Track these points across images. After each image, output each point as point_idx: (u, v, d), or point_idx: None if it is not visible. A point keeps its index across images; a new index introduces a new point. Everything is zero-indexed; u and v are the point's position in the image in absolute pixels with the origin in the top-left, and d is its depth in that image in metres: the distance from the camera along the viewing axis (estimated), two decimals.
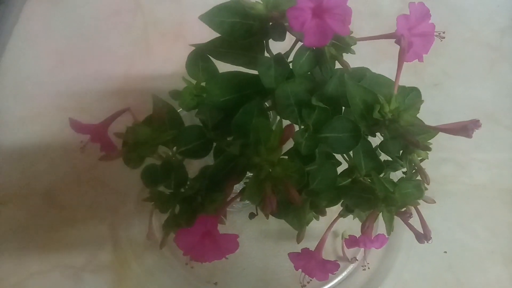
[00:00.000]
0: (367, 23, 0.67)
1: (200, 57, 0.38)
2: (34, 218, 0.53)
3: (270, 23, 0.34)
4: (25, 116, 0.59)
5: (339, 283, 0.50)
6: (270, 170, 0.31)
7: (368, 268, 0.46)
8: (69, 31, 0.66)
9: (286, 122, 0.35)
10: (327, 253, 0.51)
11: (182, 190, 0.35)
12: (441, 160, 0.57)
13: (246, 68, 0.38)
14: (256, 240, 0.52)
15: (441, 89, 0.63)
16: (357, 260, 0.50)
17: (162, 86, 0.61)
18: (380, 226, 0.43)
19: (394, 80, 0.35)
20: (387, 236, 0.36)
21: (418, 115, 0.33)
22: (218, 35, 0.36)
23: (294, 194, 0.30)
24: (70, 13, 0.68)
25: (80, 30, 0.66)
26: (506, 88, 0.64)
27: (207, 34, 0.36)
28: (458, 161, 0.58)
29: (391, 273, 0.49)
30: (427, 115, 0.36)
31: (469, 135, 0.31)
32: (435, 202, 0.39)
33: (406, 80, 0.36)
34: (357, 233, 0.37)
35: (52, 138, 0.58)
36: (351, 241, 0.38)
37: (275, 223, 0.51)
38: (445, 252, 0.53)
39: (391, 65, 0.35)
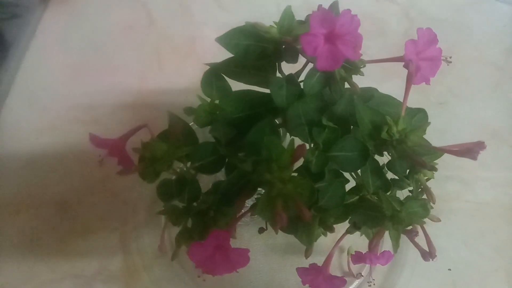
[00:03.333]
0: (374, 42, 0.68)
1: (214, 76, 0.39)
2: (46, 228, 0.54)
3: (283, 46, 0.36)
4: (40, 126, 0.61)
5: None
6: (281, 187, 0.32)
7: (374, 284, 0.47)
8: (84, 45, 0.68)
9: (297, 141, 0.37)
10: (333, 268, 0.51)
11: (195, 204, 0.36)
12: (446, 178, 0.58)
13: (258, 87, 0.39)
14: (263, 254, 0.53)
15: (446, 108, 0.64)
16: (363, 276, 0.51)
17: (174, 100, 0.63)
18: (385, 242, 0.44)
19: (401, 101, 0.37)
20: (393, 253, 0.37)
21: (424, 134, 0.34)
22: (228, 53, 0.37)
23: (305, 211, 0.31)
24: (86, 27, 0.70)
25: (95, 44, 0.68)
26: (511, 107, 0.65)
27: (218, 51, 0.37)
28: (463, 179, 0.59)
29: None
30: (433, 133, 0.37)
31: (474, 158, 0.32)
32: (440, 221, 0.39)
33: (412, 98, 0.37)
34: (363, 249, 0.38)
35: (66, 149, 0.59)
36: (357, 257, 0.39)
37: (281, 238, 0.51)
38: (449, 269, 0.53)
39: (398, 83, 0.36)
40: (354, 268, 0.51)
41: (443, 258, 0.53)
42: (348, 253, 0.51)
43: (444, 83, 0.66)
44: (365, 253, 0.37)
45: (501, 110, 0.65)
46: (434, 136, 0.37)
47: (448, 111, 0.64)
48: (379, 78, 0.55)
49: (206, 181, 0.40)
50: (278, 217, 0.31)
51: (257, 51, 0.36)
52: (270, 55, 0.36)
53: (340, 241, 0.40)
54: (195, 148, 0.36)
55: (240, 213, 0.35)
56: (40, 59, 0.67)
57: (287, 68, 0.38)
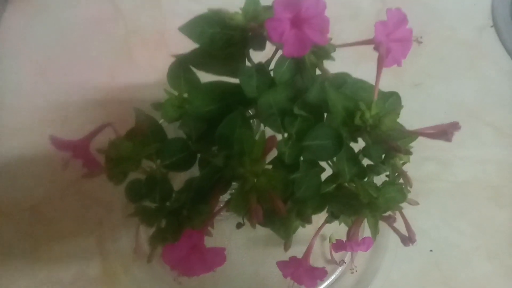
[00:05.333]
0: (347, 26, 0.67)
1: (181, 68, 0.38)
2: (19, 234, 0.52)
3: (250, 33, 0.34)
4: (7, 129, 0.58)
5: (329, 286, 0.50)
6: (255, 181, 0.31)
7: (356, 271, 0.46)
8: (49, 41, 0.65)
9: (269, 131, 0.35)
10: (315, 257, 0.51)
11: (168, 203, 0.35)
12: (423, 158, 0.58)
13: (228, 77, 0.38)
14: (245, 247, 0.52)
15: (421, 89, 0.64)
16: (345, 263, 0.51)
17: (145, 95, 0.61)
18: (366, 228, 0.44)
19: (374, 85, 0.36)
20: (372, 240, 0.36)
21: (400, 116, 0.34)
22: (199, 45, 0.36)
23: (279, 204, 0.30)
24: (50, 23, 0.67)
25: (61, 40, 0.66)
26: (486, 85, 0.65)
27: (190, 42, 0.36)
28: (441, 159, 0.59)
29: (379, 274, 0.49)
30: (409, 114, 0.36)
31: (448, 139, 0.31)
32: (418, 204, 0.39)
33: (387, 80, 0.36)
34: (344, 236, 0.37)
35: (35, 152, 0.57)
36: (338, 246, 0.38)
37: (262, 230, 0.50)
38: (431, 250, 0.53)
39: (371, 66, 0.36)
40: (337, 255, 0.51)
41: (424, 240, 0.53)
42: (329, 241, 0.51)
43: (418, 64, 0.66)
44: (345, 241, 0.37)
45: (476, 88, 0.65)
46: (411, 117, 0.36)
47: (423, 92, 0.64)
48: (354, 62, 0.54)
49: (182, 179, 0.39)
50: (253, 212, 0.30)
51: (223, 39, 0.35)
52: (237, 43, 0.35)
53: (320, 231, 0.39)
54: (164, 145, 0.35)
55: (215, 210, 0.34)
56: (4, 59, 0.64)
57: (257, 56, 0.37)
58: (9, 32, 0.66)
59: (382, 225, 0.35)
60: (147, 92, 0.61)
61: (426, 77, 0.65)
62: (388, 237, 0.49)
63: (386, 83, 0.37)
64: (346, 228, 0.38)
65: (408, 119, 0.35)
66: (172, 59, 0.38)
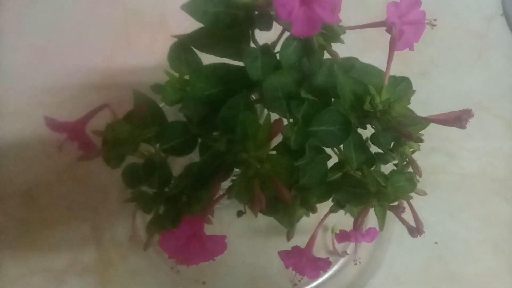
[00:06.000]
0: (353, 12, 0.65)
1: (183, 49, 0.36)
2: (12, 221, 0.51)
3: (256, 12, 0.33)
4: (2, 112, 0.57)
5: (331, 277, 0.49)
6: (259, 167, 0.30)
7: (359, 262, 0.45)
8: (45, 23, 0.63)
9: (274, 116, 0.34)
10: (318, 247, 0.50)
11: (166, 189, 0.34)
12: (431, 149, 0.57)
13: (231, 59, 0.36)
14: (245, 237, 0.51)
15: (429, 78, 0.63)
16: (348, 254, 0.50)
17: (144, 79, 0.59)
18: (370, 219, 0.42)
19: (383, 70, 0.34)
20: (379, 231, 0.35)
21: (409, 103, 0.32)
22: (201, 25, 0.34)
23: (284, 192, 0.28)
24: (46, 4, 0.65)
25: (57, 22, 0.64)
26: (494, 76, 0.64)
27: (190, 24, 0.34)
28: (448, 151, 0.58)
29: (382, 266, 0.49)
30: (416, 104, 0.35)
31: (462, 126, 0.30)
32: (426, 194, 0.38)
33: (394, 69, 0.35)
34: (348, 227, 0.36)
35: (30, 136, 0.55)
36: (342, 236, 0.37)
37: (264, 219, 0.49)
38: (436, 243, 0.52)
39: (379, 54, 0.34)
40: (339, 246, 0.50)
41: (429, 232, 0.51)
42: (332, 231, 0.50)
43: (426, 53, 0.64)
44: (349, 231, 0.36)
45: (484, 79, 0.64)
46: (417, 107, 0.35)
47: (430, 82, 0.62)
48: (360, 49, 0.52)
49: (180, 164, 0.37)
50: (256, 200, 0.29)
51: (228, 18, 0.33)
52: (242, 23, 0.33)
53: (324, 221, 0.38)
54: (163, 128, 0.33)
55: (216, 197, 0.33)
56: (0, 41, 0.62)
57: (262, 38, 0.35)
58: (6, 15, 0.64)
59: (386, 217, 0.34)
60: (146, 75, 0.59)
61: (433, 67, 0.63)
62: (393, 228, 0.47)
63: (393, 71, 0.35)
64: (349, 220, 0.36)
65: (414, 108, 0.34)
66: (173, 41, 0.36)
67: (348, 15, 0.63)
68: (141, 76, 0.59)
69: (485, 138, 0.59)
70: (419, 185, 0.36)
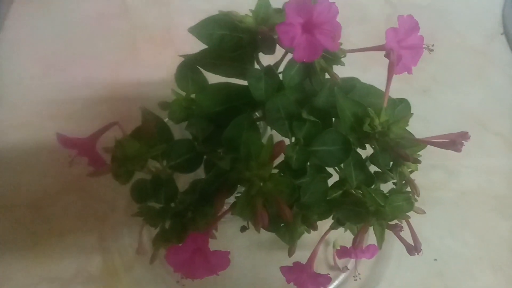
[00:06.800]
0: (356, 30, 0.67)
1: (189, 68, 0.37)
2: (20, 230, 0.52)
3: (260, 36, 0.34)
4: (11, 124, 0.58)
5: None
6: (261, 185, 0.31)
7: (359, 278, 0.46)
8: (55, 36, 0.65)
9: (277, 134, 0.35)
10: (319, 262, 0.51)
11: (173, 204, 0.35)
12: (430, 166, 0.58)
13: (236, 79, 0.38)
14: (248, 250, 0.51)
15: (430, 95, 0.64)
16: (349, 269, 0.50)
17: (150, 92, 0.61)
18: (371, 235, 0.43)
19: (383, 90, 0.35)
20: (378, 248, 0.36)
21: (407, 125, 0.33)
22: None
23: (286, 210, 0.29)
24: (56, 18, 0.67)
25: (67, 36, 0.65)
26: (494, 93, 0.65)
27: (196, 40, 0.35)
28: (447, 168, 0.58)
29: (382, 282, 0.49)
30: (417, 121, 0.36)
31: (458, 150, 0.31)
32: (425, 213, 0.39)
33: (395, 86, 0.36)
34: (349, 242, 0.37)
35: (39, 147, 0.56)
36: (342, 252, 0.38)
37: (267, 233, 0.49)
38: (435, 259, 0.53)
39: (380, 71, 0.35)
40: (340, 261, 0.51)
41: (429, 248, 0.53)
42: (333, 247, 0.51)
43: (427, 70, 0.65)
44: (349, 248, 0.37)
45: (484, 97, 0.64)
46: (418, 124, 0.36)
47: (431, 99, 0.63)
48: (363, 67, 0.54)
49: (185, 180, 0.38)
50: (258, 217, 0.30)
51: (232, 41, 0.34)
52: (246, 46, 0.35)
53: (325, 238, 0.39)
54: (170, 145, 0.34)
55: (220, 213, 0.34)
56: (9, 53, 0.64)
57: (267, 59, 0.37)
58: (15, 26, 0.66)
59: (387, 232, 0.35)
60: (153, 89, 0.60)
61: (434, 84, 0.64)
62: (393, 245, 0.48)
63: (395, 88, 0.36)
64: (350, 235, 0.37)
65: (415, 125, 0.35)
66: (179, 58, 0.37)
67: (349, 31, 0.64)
68: (148, 89, 0.61)
69: (484, 156, 0.59)
70: (419, 201, 0.37)
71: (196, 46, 0.36)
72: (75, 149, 0.33)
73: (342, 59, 0.36)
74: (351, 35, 0.64)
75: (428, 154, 0.37)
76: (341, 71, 0.36)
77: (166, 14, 0.69)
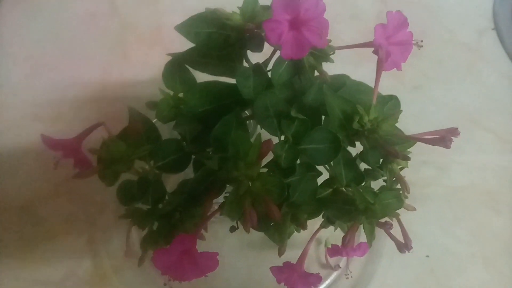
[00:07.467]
0: (347, 26, 0.66)
1: (177, 67, 0.37)
2: (9, 234, 0.51)
3: (247, 34, 0.34)
4: None
5: None
6: (250, 185, 0.30)
7: (351, 276, 0.46)
8: (42, 37, 0.64)
9: (266, 133, 0.35)
10: (310, 261, 0.51)
11: (160, 206, 0.34)
12: (421, 162, 0.58)
13: (225, 77, 0.37)
14: (239, 250, 0.51)
15: (421, 92, 0.64)
16: (341, 267, 0.50)
17: (139, 92, 0.60)
18: (362, 233, 0.43)
19: (373, 87, 0.35)
20: (368, 246, 0.36)
21: (399, 119, 0.33)
22: None
23: (274, 210, 0.29)
24: (44, 17, 0.66)
25: (54, 36, 0.64)
26: (485, 89, 0.65)
27: (185, 39, 0.35)
28: (438, 164, 0.58)
29: (374, 279, 0.49)
30: (408, 117, 0.36)
31: (447, 146, 0.31)
32: (415, 209, 0.39)
33: (386, 82, 0.36)
34: (340, 241, 0.36)
35: (27, 149, 0.56)
36: (333, 251, 0.38)
37: (257, 233, 0.49)
38: (427, 256, 0.53)
39: (371, 67, 0.35)
40: (332, 260, 0.50)
41: (421, 245, 0.52)
42: (325, 245, 0.50)
43: (418, 66, 0.65)
44: (341, 246, 0.36)
45: (475, 92, 0.64)
46: (409, 120, 0.36)
47: (422, 95, 0.63)
48: (354, 63, 0.53)
49: (176, 180, 0.38)
50: (247, 217, 0.30)
51: (220, 39, 0.34)
52: (233, 44, 0.34)
53: (315, 236, 0.39)
54: (157, 146, 0.34)
55: (209, 214, 0.33)
56: None
57: (256, 56, 0.36)
58: (3, 26, 0.65)
59: (378, 230, 0.35)
60: (142, 88, 0.60)
61: (425, 80, 0.64)
62: (384, 242, 0.48)
63: (386, 85, 0.36)
64: (342, 234, 0.37)
65: (406, 121, 0.35)
66: (168, 57, 0.37)
67: (341, 28, 0.64)
68: (137, 88, 0.60)
69: (476, 152, 0.59)
70: (410, 198, 0.37)
71: (185, 44, 0.36)
72: (61, 150, 0.32)
73: (332, 56, 0.36)
74: (342, 32, 0.64)
75: (419, 150, 0.36)
76: (332, 68, 0.36)
77: (155, 13, 0.68)
